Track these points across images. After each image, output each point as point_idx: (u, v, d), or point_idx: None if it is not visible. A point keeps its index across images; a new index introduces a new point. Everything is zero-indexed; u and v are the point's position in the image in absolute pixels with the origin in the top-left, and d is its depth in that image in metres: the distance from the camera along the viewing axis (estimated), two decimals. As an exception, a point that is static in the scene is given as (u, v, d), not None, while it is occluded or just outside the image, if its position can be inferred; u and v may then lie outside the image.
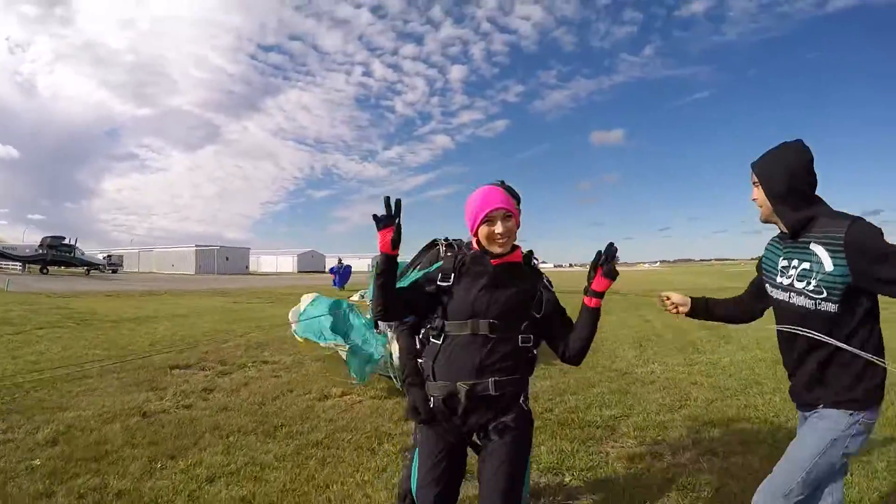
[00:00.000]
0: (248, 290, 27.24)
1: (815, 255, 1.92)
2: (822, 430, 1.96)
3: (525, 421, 2.10)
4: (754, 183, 2.13)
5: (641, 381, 6.57)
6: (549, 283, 2.20)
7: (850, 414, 1.92)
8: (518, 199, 2.53)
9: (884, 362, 1.92)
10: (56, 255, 42.55)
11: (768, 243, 2.26)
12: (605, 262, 2.00)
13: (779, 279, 2.12)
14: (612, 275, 1.99)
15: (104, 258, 51.79)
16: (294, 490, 3.47)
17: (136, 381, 6.20)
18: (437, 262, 2.29)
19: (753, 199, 2.16)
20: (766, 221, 2.15)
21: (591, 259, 2.06)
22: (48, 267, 41.75)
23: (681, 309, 2.47)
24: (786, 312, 2.09)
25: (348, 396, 5.77)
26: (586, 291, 2.05)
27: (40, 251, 42.26)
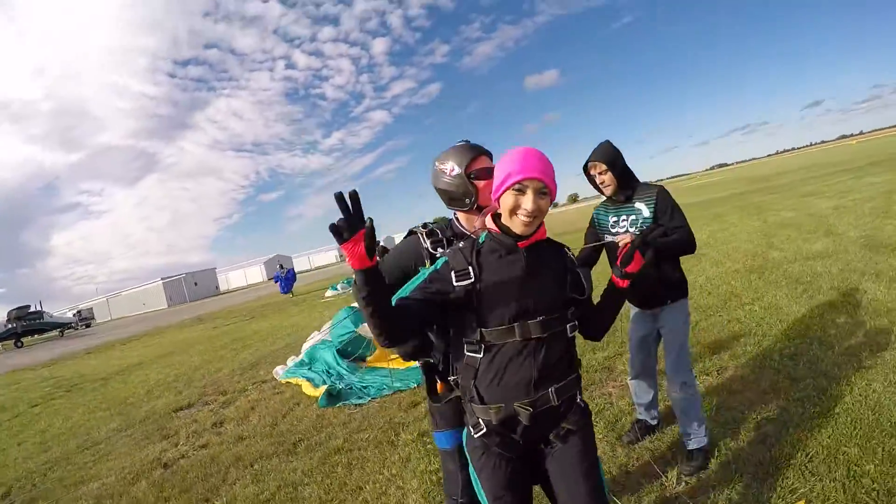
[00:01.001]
0: (223, 311, 26.93)
1: (639, 209, 3.03)
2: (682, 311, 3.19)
3: (586, 416, 1.86)
4: (601, 172, 3.07)
5: (627, 316, 6.80)
6: (571, 253, 1.93)
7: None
8: None
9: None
10: (26, 325, 41.01)
11: (596, 209, 3.35)
12: (646, 247, 1.81)
13: (615, 230, 3.15)
14: (651, 262, 1.81)
15: (74, 315, 50.42)
16: (330, 500, 3.64)
17: (146, 433, 6.24)
18: (418, 255, 2.17)
19: (602, 182, 3.09)
20: (612, 195, 3.11)
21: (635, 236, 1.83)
22: (21, 339, 40.53)
23: None
24: (614, 240, 3.07)
25: None
26: (619, 272, 1.83)
27: (10, 325, 40.72)
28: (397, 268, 2.20)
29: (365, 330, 7.23)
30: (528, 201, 1.65)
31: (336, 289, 22.55)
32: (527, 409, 1.68)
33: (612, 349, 5.60)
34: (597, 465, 1.84)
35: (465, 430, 1.87)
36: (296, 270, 27.97)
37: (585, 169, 3.15)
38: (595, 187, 3.16)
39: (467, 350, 1.74)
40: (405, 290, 1.86)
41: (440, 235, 2.20)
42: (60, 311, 58.34)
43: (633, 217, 3.05)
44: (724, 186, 40.13)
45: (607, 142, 3.12)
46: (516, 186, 1.65)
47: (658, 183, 3.39)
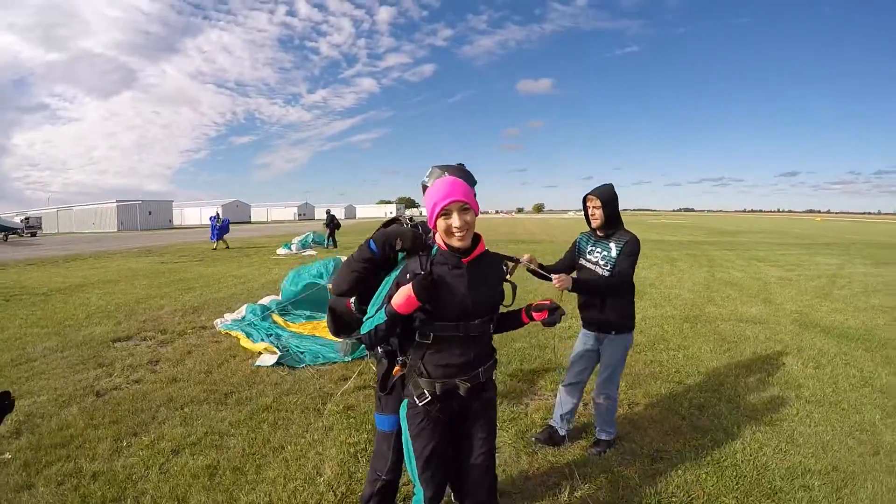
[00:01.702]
0: (174, 247, 26.21)
1: (610, 247, 3.68)
2: (618, 342, 3.82)
3: (494, 390, 2.47)
4: (595, 206, 3.68)
5: (560, 335, 7.20)
6: (506, 266, 2.40)
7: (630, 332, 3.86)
8: (473, 183, 2.50)
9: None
10: None
11: (580, 235, 4.01)
12: (551, 312, 2.29)
13: (589, 256, 3.82)
14: (551, 323, 2.31)
15: (21, 221, 48.58)
16: (253, 454, 3.88)
17: (82, 358, 6.32)
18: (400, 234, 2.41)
19: (593, 215, 3.70)
20: (597, 228, 3.75)
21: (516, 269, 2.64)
22: (-41, 236, 38.80)
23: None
24: (588, 273, 3.78)
25: None
26: (528, 313, 2.36)
27: None
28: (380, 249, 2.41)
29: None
30: (454, 220, 2.07)
31: (289, 248, 22.52)
32: (465, 384, 2.21)
33: (538, 363, 6.01)
34: (495, 423, 2.43)
35: (405, 401, 2.30)
36: (230, 221, 26.78)
37: (584, 198, 3.77)
38: (585, 216, 3.77)
39: (418, 337, 2.18)
40: (378, 298, 2.25)
41: (420, 227, 2.51)
42: (8, 214, 55.98)
43: (604, 252, 3.71)
44: (685, 231, 41.11)
45: (610, 185, 3.77)
46: (443, 212, 2.08)
47: (627, 211, 4.15)
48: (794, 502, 3.29)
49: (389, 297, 2.11)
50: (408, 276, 2.10)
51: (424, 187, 2.49)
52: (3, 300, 10.49)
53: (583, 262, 3.87)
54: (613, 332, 3.79)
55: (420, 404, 2.22)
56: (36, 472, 3.64)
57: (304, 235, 24.55)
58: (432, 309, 2.10)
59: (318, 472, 3.65)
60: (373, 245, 2.30)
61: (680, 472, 3.64)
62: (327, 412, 4.64)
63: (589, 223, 3.77)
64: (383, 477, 2.74)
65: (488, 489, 2.31)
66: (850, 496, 3.33)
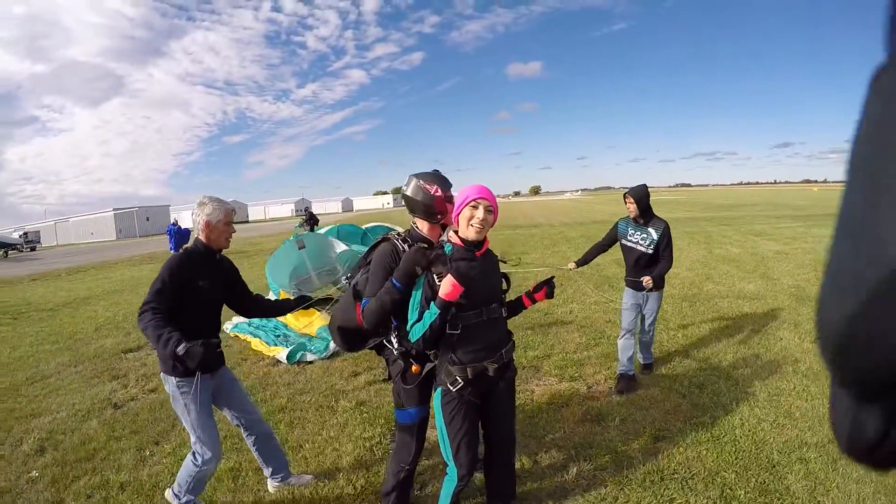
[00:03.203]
0: (170, 252, 25.90)
1: (651, 232, 4.82)
2: (657, 295, 5.01)
3: (515, 370, 2.79)
4: (630, 202, 4.84)
5: (561, 321, 7.38)
6: (500, 258, 2.82)
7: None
8: (449, 186, 2.83)
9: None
10: None
11: (620, 220, 5.12)
12: (549, 286, 2.87)
13: (630, 238, 4.95)
14: (551, 295, 2.86)
15: (20, 236, 48.43)
16: None
17: (96, 371, 6.43)
18: (396, 255, 2.68)
19: (629, 209, 4.89)
20: (635, 217, 4.89)
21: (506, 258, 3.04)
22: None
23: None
24: (632, 252, 4.95)
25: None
26: (529, 294, 2.87)
27: None
28: (382, 269, 2.67)
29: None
30: (479, 213, 2.44)
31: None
32: (493, 365, 2.52)
33: (541, 350, 6.16)
34: (514, 399, 2.82)
35: (439, 389, 2.58)
36: (190, 229, 24.88)
37: (624, 196, 4.94)
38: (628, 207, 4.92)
39: (449, 329, 2.44)
40: (415, 297, 2.50)
41: (408, 239, 2.78)
42: (6, 230, 55.96)
43: (644, 235, 4.86)
44: (683, 207, 41.88)
45: (643, 185, 4.93)
46: (472, 203, 2.44)
47: (624, 189, 5.06)
48: (791, 475, 3.40)
49: (427, 298, 2.42)
50: (436, 274, 2.41)
51: (404, 196, 2.81)
52: (12, 318, 10.57)
53: (625, 242, 5.00)
54: (654, 290, 4.89)
55: (454, 390, 2.50)
56: (64, 488, 3.73)
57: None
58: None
59: (336, 468, 3.80)
60: (398, 284, 2.49)
61: (681, 448, 3.79)
62: (341, 409, 4.78)
63: (629, 213, 4.95)
64: (407, 467, 2.96)
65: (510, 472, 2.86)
66: (846, 467, 3.44)
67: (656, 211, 4.94)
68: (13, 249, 42.48)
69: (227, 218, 3.13)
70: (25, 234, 52.46)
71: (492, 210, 2.48)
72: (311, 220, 25.18)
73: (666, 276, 4.92)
